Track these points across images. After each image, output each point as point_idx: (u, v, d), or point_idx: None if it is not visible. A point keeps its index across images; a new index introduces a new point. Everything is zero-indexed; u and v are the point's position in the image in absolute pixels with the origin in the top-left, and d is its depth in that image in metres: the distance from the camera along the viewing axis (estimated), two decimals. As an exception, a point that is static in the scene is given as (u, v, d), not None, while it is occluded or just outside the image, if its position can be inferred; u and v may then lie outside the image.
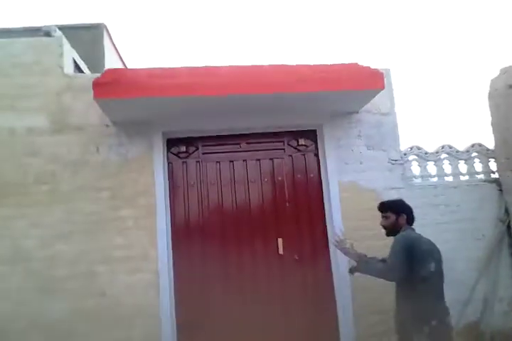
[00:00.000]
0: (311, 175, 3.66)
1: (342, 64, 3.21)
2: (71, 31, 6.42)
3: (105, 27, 9.13)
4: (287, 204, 3.59)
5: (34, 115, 3.30)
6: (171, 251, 3.39)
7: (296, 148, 3.72)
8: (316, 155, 3.70)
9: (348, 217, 3.50)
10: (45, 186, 3.23)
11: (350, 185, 3.58)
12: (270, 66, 3.19)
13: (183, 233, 3.45)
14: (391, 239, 2.67)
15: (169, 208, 3.44)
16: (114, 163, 3.34)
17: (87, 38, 8.37)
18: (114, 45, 9.92)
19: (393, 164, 3.68)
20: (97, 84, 2.84)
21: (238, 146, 3.65)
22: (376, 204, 2.87)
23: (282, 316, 3.36)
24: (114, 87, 2.85)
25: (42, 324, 3.05)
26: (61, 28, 4.03)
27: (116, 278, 3.19)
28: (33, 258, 3.13)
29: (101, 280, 3.18)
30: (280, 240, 3.50)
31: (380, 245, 2.80)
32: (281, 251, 3.48)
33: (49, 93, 3.34)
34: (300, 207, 3.60)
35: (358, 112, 3.67)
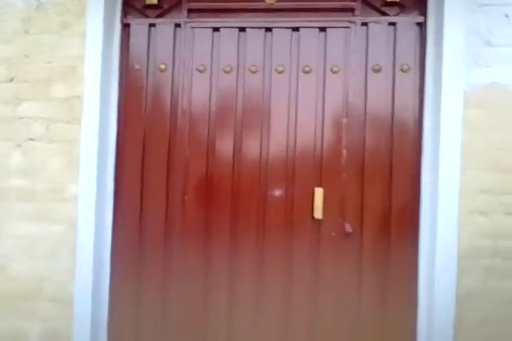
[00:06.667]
0: (404, 68, 1.76)
1: None
2: None
3: None
4: (344, 121, 1.77)
5: None
6: (112, 187, 1.83)
7: (379, 10, 1.81)
8: (421, 25, 1.76)
9: (478, 160, 1.60)
10: None
11: (490, 91, 1.63)
12: None
13: (134, 163, 1.84)
14: None
15: (116, 110, 1.83)
16: (19, 14, 1.77)
17: None
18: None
19: None
20: None
21: (261, 2, 1.84)
22: None
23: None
24: None
25: None
26: None
27: (5, 224, 1.75)
28: None
29: (-19, 225, 1.76)
30: (319, 191, 1.73)
31: None
32: (318, 215, 1.72)
33: None
34: (370, 138, 1.76)
35: None
